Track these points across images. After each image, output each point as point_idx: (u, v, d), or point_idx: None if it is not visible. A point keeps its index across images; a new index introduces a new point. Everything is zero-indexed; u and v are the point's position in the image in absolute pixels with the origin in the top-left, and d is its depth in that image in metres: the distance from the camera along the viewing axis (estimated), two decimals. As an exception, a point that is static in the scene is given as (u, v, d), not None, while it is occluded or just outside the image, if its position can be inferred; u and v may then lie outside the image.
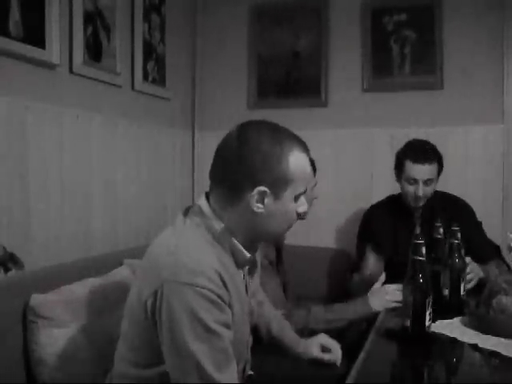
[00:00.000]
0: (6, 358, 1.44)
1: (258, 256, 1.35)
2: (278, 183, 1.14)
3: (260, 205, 1.13)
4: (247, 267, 1.26)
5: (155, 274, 1.08)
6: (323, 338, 1.60)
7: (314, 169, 1.85)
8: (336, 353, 1.56)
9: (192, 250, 1.10)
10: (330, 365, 1.55)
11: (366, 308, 1.76)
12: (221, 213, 1.16)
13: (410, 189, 2.10)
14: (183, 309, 1.03)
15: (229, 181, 1.14)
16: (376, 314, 1.70)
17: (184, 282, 1.03)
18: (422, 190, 2.07)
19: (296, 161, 1.15)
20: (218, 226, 1.15)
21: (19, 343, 1.49)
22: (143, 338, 1.14)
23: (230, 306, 1.11)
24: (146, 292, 1.08)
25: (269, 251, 1.82)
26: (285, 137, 1.17)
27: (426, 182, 2.08)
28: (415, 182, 2.08)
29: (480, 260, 1.92)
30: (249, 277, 1.30)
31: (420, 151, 2.10)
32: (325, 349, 1.58)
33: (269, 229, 1.19)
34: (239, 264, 1.20)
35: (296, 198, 1.18)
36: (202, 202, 1.19)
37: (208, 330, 1.04)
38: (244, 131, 1.17)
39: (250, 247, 1.21)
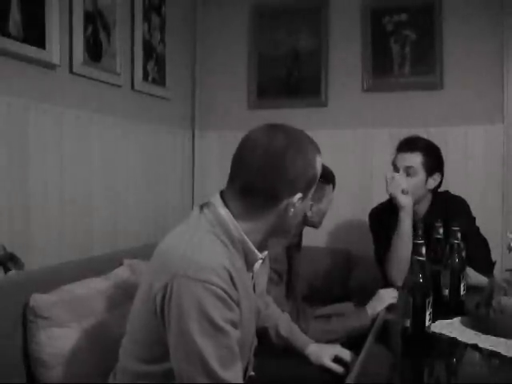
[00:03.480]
0: (6, 358, 1.44)
1: (266, 257, 1.35)
2: (308, 186, 1.19)
3: (293, 209, 1.17)
4: (256, 267, 1.27)
5: (166, 268, 1.09)
6: (338, 350, 1.58)
7: (334, 183, 1.91)
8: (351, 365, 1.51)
9: (204, 248, 1.10)
10: (336, 373, 1.52)
11: (364, 320, 1.74)
12: (240, 214, 1.16)
13: None
14: (192, 304, 1.03)
15: (264, 190, 1.14)
16: (374, 319, 1.70)
17: (194, 277, 1.04)
18: None
19: (319, 162, 1.21)
20: (234, 226, 1.15)
21: (19, 343, 1.49)
22: (151, 333, 1.14)
23: (238, 304, 1.11)
24: (157, 286, 1.09)
25: (278, 262, 1.76)
26: (308, 140, 1.20)
27: (408, 172, 2.02)
28: (396, 170, 2.06)
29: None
30: (256, 276, 1.30)
31: (404, 141, 2.08)
32: (336, 359, 1.56)
33: (289, 227, 1.25)
34: (249, 264, 1.21)
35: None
36: (217, 201, 1.18)
37: (215, 327, 1.04)
38: (275, 139, 1.15)
39: (261, 246, 1.22)
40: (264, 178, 1.13)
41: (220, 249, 1.12)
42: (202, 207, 1.20)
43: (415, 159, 2.02)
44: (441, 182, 2.09)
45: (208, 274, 1.05)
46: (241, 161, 1.17)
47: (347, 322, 1.76)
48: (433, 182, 2.06)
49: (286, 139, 1.15)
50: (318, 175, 1.21)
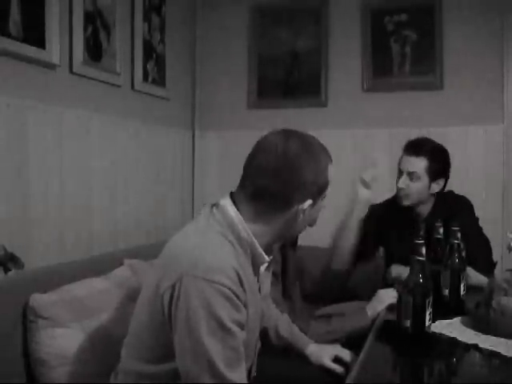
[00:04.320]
0: (6, 357, 1.44)
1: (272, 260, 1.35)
2: (319, 193, 1.21)
3: (302, 215, 1.19)
4: (262, 270, 1.27)
5: (175, 267, 1.09)
6: (338, 350, 1.58)
7: None
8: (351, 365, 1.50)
9: (213, 248, 1.11)
10: (336, 374, 1.52)
11: (363, 320, 1.73)
12: (250, 217, 1.17)
13: (396, 181, 2.06)
14: (200, 303, 1.03)
15: (277, 194, 1.15)
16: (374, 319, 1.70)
17: (203, 277, 1.04)
18: (403, 183, 2.01)
19: (331, 171, 1.22)
20: (243, 228, 1.16)
21: (19, 343, 1.49)
22: (155, 333, 1.14)
23: (245, 306, 1.11)
24: (165, 285, 1.09)
25: (275, 263, 1.77)
26: (321, 148, 1.22)
27: (411, 177, 2.00)
28: (400, 173, 2.04)
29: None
30: (261, 279, 1.30)
31: (410, 143, 2.05)
32: (336, 359, 1.55)
33: (295, 231, 1.27)
34: (256, 266, 1.21)
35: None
36: (227, 203, 1.18)
37: (223, 327, 1.04)
38: (290, 145, 1.17)
39: (267, 250, 1.22)
40: (277, 183, 1.14)
41: (228, 249, 1.13)
42: (211, 207, 1.20)
43: (419, 164, 1.99)
44: (445, 186, 2.07)
45: (217, 275, 1.05)
46: (255, 164, 1.18)
47: (347, 322, 1.75)
48: (436, 187, 2.03)
49: (301, 146, 1.17)
50: (329, 183, 1.22)
